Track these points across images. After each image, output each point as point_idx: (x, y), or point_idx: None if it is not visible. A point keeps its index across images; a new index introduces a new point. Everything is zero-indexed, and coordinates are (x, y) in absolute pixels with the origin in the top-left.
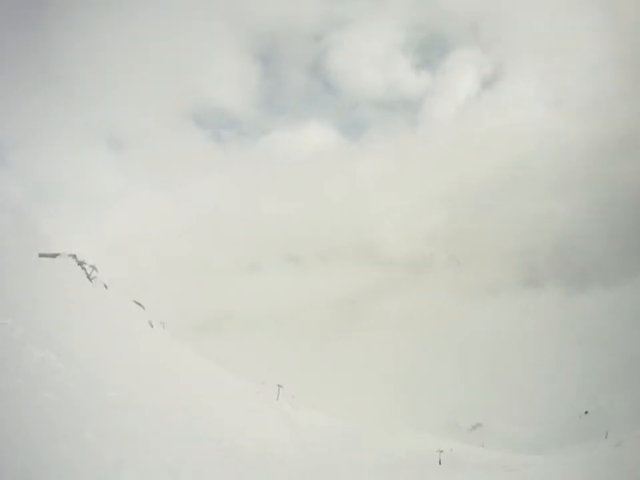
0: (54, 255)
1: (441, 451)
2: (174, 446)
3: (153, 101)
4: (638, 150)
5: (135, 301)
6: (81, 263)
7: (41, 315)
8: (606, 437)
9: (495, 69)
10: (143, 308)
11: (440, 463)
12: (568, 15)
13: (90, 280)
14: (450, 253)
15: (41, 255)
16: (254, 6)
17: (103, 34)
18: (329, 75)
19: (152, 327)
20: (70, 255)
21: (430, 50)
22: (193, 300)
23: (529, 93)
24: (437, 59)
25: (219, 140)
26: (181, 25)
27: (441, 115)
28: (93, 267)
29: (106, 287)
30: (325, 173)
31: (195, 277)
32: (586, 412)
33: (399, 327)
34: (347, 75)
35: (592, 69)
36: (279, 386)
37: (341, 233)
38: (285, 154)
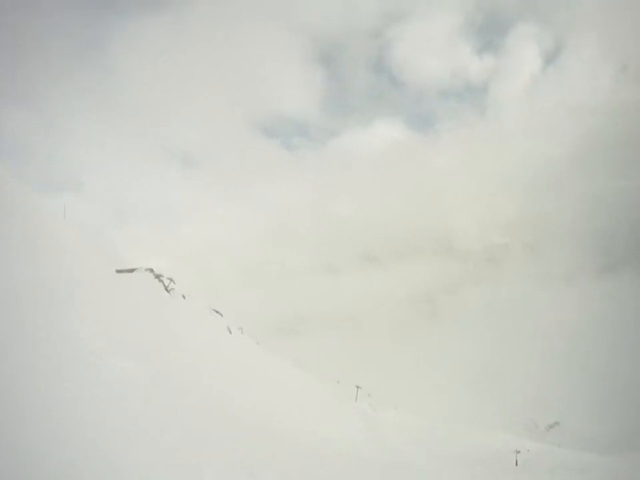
0: (131, 270)
1: (518, 452)
2: (254, 448)
3: (222, 115)
4: None
5: (212, 309)
6: (158, 276)
7: (120, 327)
8: None
9: (556, 42)
10: (221, 315)
11: (517, 464)
12: None
13: (168, 292)
14: (525, 242)
15: (118, 271)
16: (312, 10)
17: (167, 53)
18: (392, 70)
19: (230, 332)
20: (147, 269)
21: (489, 31)
22: (271, 304)
23: (593, 63)
24: (498, 39)
25: (288, 147)
26: (243, 38)
27: (507, 96)
28: (171, 279)
29: (184, 297)
30: (396, 169)
31: (272, 282)
32: None
33: (476, 321)
34: (410, 68)
35: None
36: (357, 387)
37: (415, 228)
38: (355, 154)
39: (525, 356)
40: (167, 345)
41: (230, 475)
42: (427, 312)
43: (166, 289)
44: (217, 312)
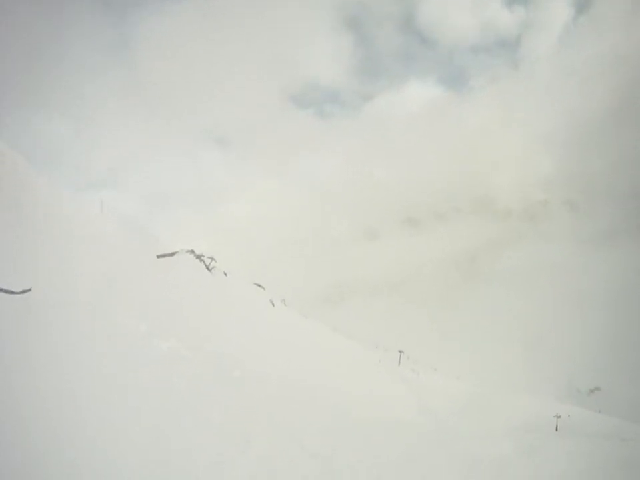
0: (172, 254)
1: (559, 417)
2: (300, 417)
3: (253, 91)
4: None
5: (255, 284)
6: (199, 256)
7: (163, 309)
8: None
9: None
10: (264, 289)
11: (557, 429)
12: None
13: (209, 270)
14: (565, 199)
15: (159, 256)
16: None
17: (193, 34)
18: (422, 29)
19: (273, 305)
20: (188, 251)
21: None
22: (313, 275)
23: (625, 12)
24: None
25: (322, 116)
26: (269, 11)
27: (540, 49)
28: (212, 258)
29: (225, 274)
30: (432, 129)
31: (314, 253)
32: None
33: (517, 282)
34: (439, 25)
35: None
36: (400, 352)
37: (454, 188)
38: (390, 117)
39: (566, 318)
40: (209, 322)
41: (280, 447)
42: (467, 273)
43: (207, 268)
44: (259, 285)
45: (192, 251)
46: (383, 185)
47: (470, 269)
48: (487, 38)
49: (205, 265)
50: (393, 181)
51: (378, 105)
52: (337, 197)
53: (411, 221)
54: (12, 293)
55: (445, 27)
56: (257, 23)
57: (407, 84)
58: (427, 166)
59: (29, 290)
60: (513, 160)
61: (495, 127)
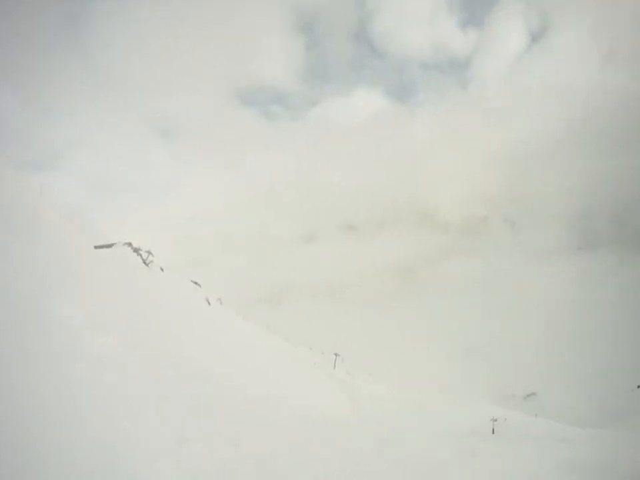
0: (109, 245)
1: (495, 420)
2: (237, 417)
3: (203, 86)
4: None
5: (191, 281)
6: (136, 250)
7: (98, 302)
8: None
9: (543, 20)
10: (200, 286)
11: (493, 432)
12: None
13: (146, 265)
14: (505, 216)
15: (96, 247)
16: None
17: (147, 26)
18: (374, 39)
19: (209, 304)
20: (125, 243)
21: (475, 5)
22: (252, 274)
23: (579, 44)
24: (483, 14)
25: (269, 116)
26: (224, 8)
27: (490, 72)
28: (149, 252)
29: (162, 269)
30: (377, 139)
31: (254, 252)
32: (638, 386)
33: (455, 292)
34: (392, 38)
35: None
36: (336, 354)
37: (395, 199)
38: (336, 123)
39: (503, 328)
40: (144, 318)
41: (216, 446)
42: (407, 282)
43: (144, 262)
44: (195, 283)
45: (130, 244)
46: (325, 189)
47: (409, 278)
48: (438, 56)
49: (142, 259)
50: (335, 187)
51: (324, 110)
52: (279, 198)
53: (350, 227)
54: None
55: (397, 41)
56: (211, 18)
57: (354, 92)
58: (370, 174)
59: None
60: (456, 175)
61: (440, 142)
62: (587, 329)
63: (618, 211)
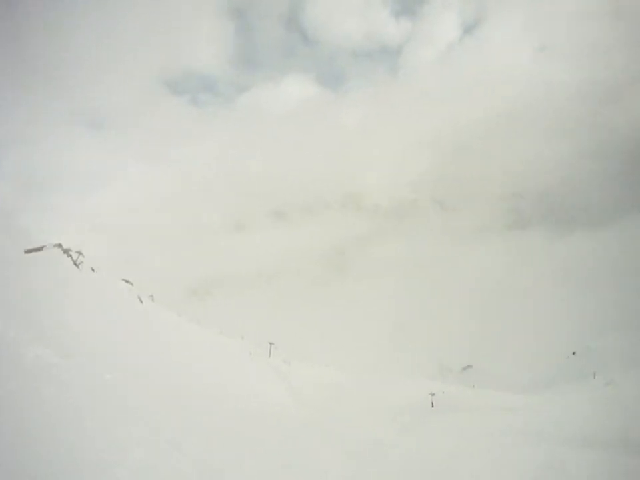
0: (39, 249)
1: (433, 394)
2: (177, 418)
3: (129, 73)
4: (625, 98)
5: (123, 279)
6: (66, 251)
7: (32, 311)
8: (594, 377)
9: (477, 13)
10: (132, 284)
11: (432, 406)
12: None
13: (77, 266)
14: (435, 199)
15: (27, 252)
16: None
17: (71, 10)
18: (306, 26)
19: (141, 302)
20: (55, 245)
21: None
22: (184, 267)
23: (513, 39)
24: (418, 4)
25: (196, 104)
26: None
27: (422, 61)
28: (79, 253)
29: (93, 270)
30: (308, 126)
31: (185, 244)
32: (573, 353)
33: (388, 274)
34: (324, 25)
35: (577, 16)
36: (271, 343)
37: (325, 184)
38: (266, 110)
39: (436, 306)
40: (79, 323)
41: (157, 451)
42: (338, 266)
43: (75, 264)
44: (127, 281)
45: (59, 245)
46: (255, 177)
47: (339, 262)
48: (370, 44)
49: (73, 261)
50: (265, 174)
51: (254, 98)
52: (208, 188)
53: (279, 214)
54: None
55: (329, 29)
56: (138, 2)
57: (284, 79)
58: (299, 161)
59: None
60: (385, 160)
61: (369, 128)
62: (519, 304)
63: (546, 192)
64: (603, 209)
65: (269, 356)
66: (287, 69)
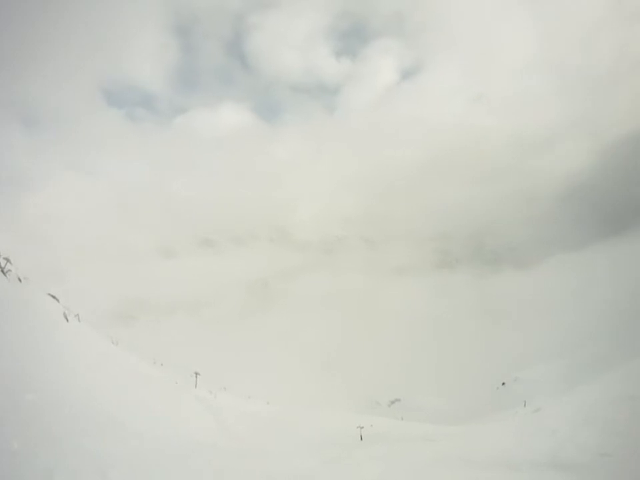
0: None
1: (362, 427)
2: (102, 445)
3: (68, 76)
4: (555, 146)
5: (49, 294)
6: None
7: None
8: (525, 406)
9: (416, 60)
10: (58, 301)
11: (361, 439)
12: (493, 15)
13: (4, 274)
14: (363, 237)
15: None
16: None
17: (12, 7)
18: (248, 55)
19: (67, 320)
20: None
21: (352, 37)
22: (109, 286)
23: (449, 86)
24: (359, 46)
25: (133, 119)
26: None
27: (358, 101)
28: (7, 260)
29: (20, 280)
30: (240, 155)
31: (111, 262)
32: (503, 383)
33: (314, 309)
34: (266, 56)
35: (513, 69)
36: (196, 373)
37: (255, 215)
38: (200, 135)
39: (362, 341)
40: (2, 340)
41: (81, 477)
42: (263, 298)
43: (2, 271)
44: (53, 297)
45: None
46: (185, 202)
47: (264, 294)
48: (309, 80)
49: (0, 268)
50: (195, 200)
51: (190, 120)
52: (139, 207)
53: (208, 242)
54: None
55: (270, 60)
56: (84, 8)
57: (222, 105)
58: (231, 190)
59: None
60: (315, 196)
61: (302, 163)
62: (446, 340)
63: (474, 233)
64: (528, 250)
65: (195, 386)
66: (225, 95)
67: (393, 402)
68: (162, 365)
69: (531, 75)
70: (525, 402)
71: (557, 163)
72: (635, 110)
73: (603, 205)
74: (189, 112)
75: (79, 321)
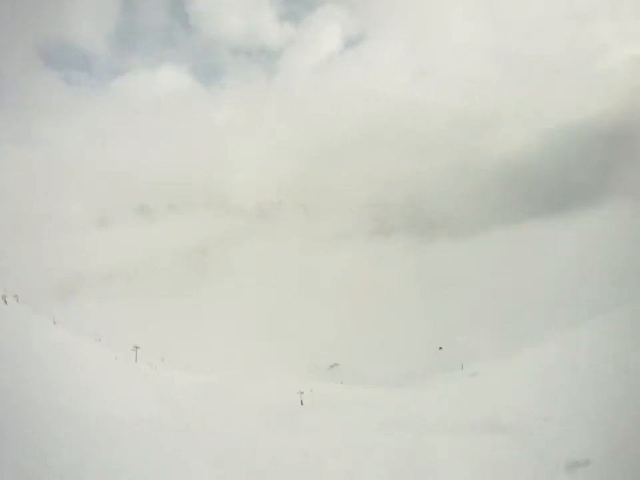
0: None
1: (302, 392)
2: (41, 429)
3: (3, 37)
4: (496, 128)
5: None
6: None
7: None
8: (462, 369)
9: (361, 30)
10: None
11: (302, 404)
12: None
13: None
14: (299, 203)
15: None
16: None
17: None
18: (190, 15)
19: (6, 302)
20: None
21: (297, 2)
22: (47, 261)
23: (392, 59)
24: (304, 12)
25: (70, 82)
26: None
27: (300, 67)
28: None
29: None
30: (177, 118)
31: (49, 235)
32: (440, 347)
33: (252, 276)
34: (208, 17)
35: (458, 49)
36: (136, 347)
37: (191, 181)
38: (138, 98)
39: (301, 307)
40: None
41: (22, 465)
42: (201, 266)
43: None
44: None
45: None
46: (120, 168)
47: (202, 262)
48: (251, 43)
49: None
50: (130, 166)
51: (128, 83)
52: (75, 176)
53: (144, 210)
54: None
55: (212, 22)
56: None
57: (161, 67)
58: (167, 154)
59: None
60: (252, 161)
61: (240, 127)
62: (384, 305)
63: (410, 203)
64: (465, 221)
65: (135, 360)
66: (165, 57)
67: (332, 366)
68: (102, 340)
69: (476, 56)
70: (462, 365)
71: (497, 144)
72: (576, 102)
73: (540, 186)
74: (127, 74)
75: (18, 301)
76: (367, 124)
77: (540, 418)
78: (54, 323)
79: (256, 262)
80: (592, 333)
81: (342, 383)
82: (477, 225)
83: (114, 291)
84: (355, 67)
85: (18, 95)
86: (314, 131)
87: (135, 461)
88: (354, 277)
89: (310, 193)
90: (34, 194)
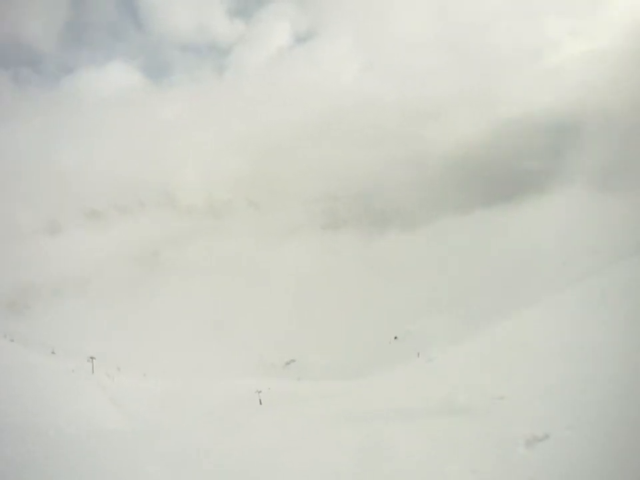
0: None
1: (260, 392)
2: (8, 446)
3: None
4: (444, 119)
5: None
6: None
7: None
8: (418, 357)
9: (310, 26)
10: None
11: (260, 403)
12: None
13: None
14: (250, 199)
15: None
16: None
17: None
18: (139, 10)
19: None
20: None
21: None
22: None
23: (341, 54)
24: (254, 8)
25: (18, 81)
26: None
27: (250, 63)
28: None
29: None
30: (127, 117)
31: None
32: (395, 337)
33: (203, 275)
34: (158, 13)
35: (407, 42)
36: (92, 358)
37: (141, 181)
38: (86, 96)
39: (254, 304)
40: None
41: None
42: (153, 268)
43: None
44: None
45: None
46: (68, 170)
47: (154, 263)
48: (200, 39)
49: None
50: (79, 167)
51: (76, 81)
52: (23, 180)
53: (94, 214)
54: None
55: (161, 18)
56: None
57: (109, 64)
58: (116, 155)
59: None
60: (202, 159)
61: (189, 125)
62: (336, 299)
63: (360, 195)
64: (415, 212)
65: (92, 372)
66: (114, 53)
67: (288, 363)
68: (56, 354)
69: (425, 49)
70: (419, 353)
71: (447, 134)
72: (526, 95)
73: (491, 176)
74: (77, 71)
75: None
76: (317, 119)
77: (496, 397)
78: (11, 341)
79: (209, 261)
80: (542, 312)
81: (299, 379)
82: (428, 215)
83: (67, 300)
84: (305, 62)
85: None
86: (264, 127)
87: (87, 476)
88: (306, 272)
89: (261, 189)
90: None
